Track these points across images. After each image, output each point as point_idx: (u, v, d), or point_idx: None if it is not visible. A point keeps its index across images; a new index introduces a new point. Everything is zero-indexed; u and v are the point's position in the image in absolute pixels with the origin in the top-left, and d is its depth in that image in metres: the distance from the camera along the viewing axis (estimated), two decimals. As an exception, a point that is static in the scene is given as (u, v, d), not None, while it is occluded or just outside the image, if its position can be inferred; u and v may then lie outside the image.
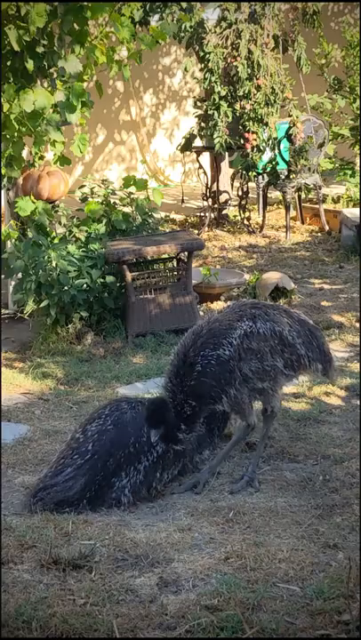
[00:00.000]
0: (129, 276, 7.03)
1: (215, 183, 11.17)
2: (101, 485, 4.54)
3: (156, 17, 9.94)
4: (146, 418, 4.60)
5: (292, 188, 10.44)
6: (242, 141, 10.19)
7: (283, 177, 10.42)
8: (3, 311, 7.70)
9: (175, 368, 4.63)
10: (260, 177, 10.89)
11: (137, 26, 7.60)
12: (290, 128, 10.28)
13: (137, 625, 3.35)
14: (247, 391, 4.63)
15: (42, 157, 7.26)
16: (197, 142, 10.82)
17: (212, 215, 11.04)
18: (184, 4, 9.91)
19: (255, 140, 10.13)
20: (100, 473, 4.54)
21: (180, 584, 3.68)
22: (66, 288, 6.81)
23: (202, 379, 4.56)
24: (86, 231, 7.53)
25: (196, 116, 10.66)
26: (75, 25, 6.38)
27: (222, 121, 10.05)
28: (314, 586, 3.59)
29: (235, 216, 11.26)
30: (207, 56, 10.02)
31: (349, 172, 11.70)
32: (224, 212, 11.26)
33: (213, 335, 4.61)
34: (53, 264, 6.87)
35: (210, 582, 3.68)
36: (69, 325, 6.91)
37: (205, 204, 11.10)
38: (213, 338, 4.60)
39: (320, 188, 10.71)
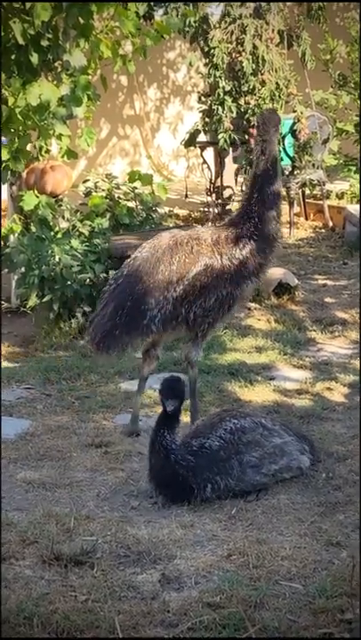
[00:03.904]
0: (132, 271, 7.00)
1: (219, 178, 11.14)
2: (131, 314, 4.88)
3: (161, 11, 9.91)
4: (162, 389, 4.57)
5: (297, 183, 10.41)
6: (246, 137, 10.16)
7: (287, 173, 10.39)
8: (5, 305, 7.68)
9: None
10: (264, 172, 10.83)
11: (141, 20, 7.57)
12: (294, 124, 10.25)
13: (139, 622, 3.34)
14: None
15: (48, 151, 7.24)
16: (201, 137, 10.79)
17: (216, 210, 11.01)
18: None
19: (259, 135, 10.09)
20: (128, 297, 4.91)
21: (182, 581, 3.67)
22: (69, 283, 6.80)
23: None
24: (90, 226, 7.52)
25: (200, 111, 10.63)
26: (79, 19, 6.36)
27: (227, 116, 10.01)
28: (317, 584, 3.57)
29: (238, 211, 11.21)
30: (212, 51, 9.97)
31: (354, 169, 11.67)
32: (228, 207, 11.21)
33: None
34: (57, 258, 6.86)
35: (212, 579, 3.66)
36: (72, 320, 6.90)
37: (209, 199, 11.08)
38: None
39: (324, 184, 10.69)
